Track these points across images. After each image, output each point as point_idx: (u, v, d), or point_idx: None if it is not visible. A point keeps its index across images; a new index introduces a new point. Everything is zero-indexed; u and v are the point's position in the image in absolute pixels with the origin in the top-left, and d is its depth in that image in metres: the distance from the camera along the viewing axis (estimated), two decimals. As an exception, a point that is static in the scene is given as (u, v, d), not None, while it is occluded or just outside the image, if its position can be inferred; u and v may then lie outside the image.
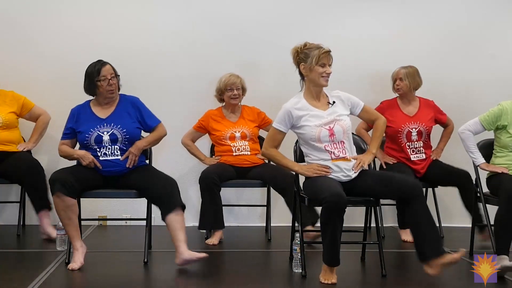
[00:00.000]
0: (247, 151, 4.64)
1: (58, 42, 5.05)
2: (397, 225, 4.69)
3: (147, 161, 4.15)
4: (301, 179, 3.72)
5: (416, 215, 3.38)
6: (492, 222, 3.95)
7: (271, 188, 4.60)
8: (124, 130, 3.89)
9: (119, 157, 3.88)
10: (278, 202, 4.74)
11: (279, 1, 5.28)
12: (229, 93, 4.68)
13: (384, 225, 4.79)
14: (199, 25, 5.18)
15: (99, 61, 3.94)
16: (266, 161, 4.67)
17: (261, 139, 4.73)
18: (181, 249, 3.66)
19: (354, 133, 4.10)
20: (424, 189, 4.88)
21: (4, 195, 5.00)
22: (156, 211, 3.83)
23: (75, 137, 3.95)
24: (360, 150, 3.84)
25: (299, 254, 3.58)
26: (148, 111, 4.05)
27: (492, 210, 3.97)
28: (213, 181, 4.38)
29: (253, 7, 5.23)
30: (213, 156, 4.80)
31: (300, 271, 3.57)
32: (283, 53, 5.15)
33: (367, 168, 3.69)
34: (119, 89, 4.01)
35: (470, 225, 4.18)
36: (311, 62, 3.53)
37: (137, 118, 3.99)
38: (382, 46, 5.25)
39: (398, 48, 5.25)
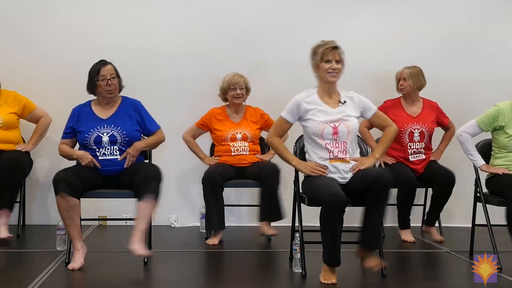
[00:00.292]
0: (246, 151, 4.64)
1: (58, 42, 5.05)
2: (397, 225, 4.69)
3: (146, 161, 4.13)
4: (301, 179, 3.72)
5: (373, 205, 3.37)
6: (492, 222, 3.97)
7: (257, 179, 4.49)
8: (124, 132, 3.89)
9: (118, 157, 3.88)
10: (278, 202, 4.74)
11: (279, 1, 5.28)
12: (233, 92, 4.67)
13: (384, 225, 4.76)
14: (199, 25, 5.18)
15: (101, 60, 3.94)
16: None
17: (262, 141, 4.74)
18: (133, 238, 3.62)
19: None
20: (423, 189, 4.93)
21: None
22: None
23: (76, 137, 3.95)
24: (360, 150, 3.82)
25: (299, 254, 3.58)
26: (149, 116, 4.05)
27: (492, 210, 3.98)
28: (216, 181, 4.37)
29: (253, 7, 5.22)
30: (213, 156, 4.79)
31: (300, 271, 3.56)
32: (283, 53, 5.23)
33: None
34: (120, 90, 4.01)
35: (470, 225, 4.17)
36: (316, 59, 3.55)
37: (138, 121, 3.98)
38: (382, 46, 5.24)
39: (398, 48, 5.25)
